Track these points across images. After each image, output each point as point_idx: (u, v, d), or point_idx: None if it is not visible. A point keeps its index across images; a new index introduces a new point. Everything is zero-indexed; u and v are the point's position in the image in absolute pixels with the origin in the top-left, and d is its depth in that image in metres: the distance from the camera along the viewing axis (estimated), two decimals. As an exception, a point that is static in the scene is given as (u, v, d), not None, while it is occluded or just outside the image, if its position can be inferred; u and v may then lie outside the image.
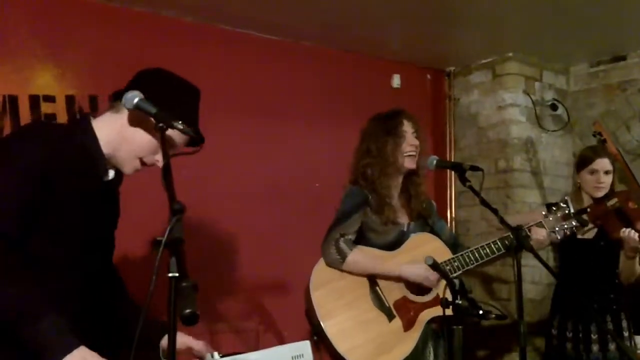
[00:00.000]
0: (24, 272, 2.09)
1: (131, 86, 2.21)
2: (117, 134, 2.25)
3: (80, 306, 2.23)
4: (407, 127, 3.51)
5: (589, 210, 3.81)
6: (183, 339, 2.37)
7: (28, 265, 2.11)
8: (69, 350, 2.03)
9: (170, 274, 1.69)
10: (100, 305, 2.33)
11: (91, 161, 2.25)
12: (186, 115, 2.18)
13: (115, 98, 2.28)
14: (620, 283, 4.05)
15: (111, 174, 2.34)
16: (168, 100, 2.17)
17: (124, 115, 2.24)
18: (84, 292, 2.25)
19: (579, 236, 3.94)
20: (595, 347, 3.94)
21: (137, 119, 2.22)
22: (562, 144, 5.36)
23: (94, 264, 2.31)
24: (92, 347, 2.09)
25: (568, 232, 3.50)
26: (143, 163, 2.28)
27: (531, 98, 5.20)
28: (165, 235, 1.70)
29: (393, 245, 3.47)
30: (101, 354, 2.10)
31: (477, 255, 3.42)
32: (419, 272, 3.34)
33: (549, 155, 5.27)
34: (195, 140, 2.24)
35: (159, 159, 2.27)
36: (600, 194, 4.01)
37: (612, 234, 3.95)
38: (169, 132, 2.15)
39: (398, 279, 3.39)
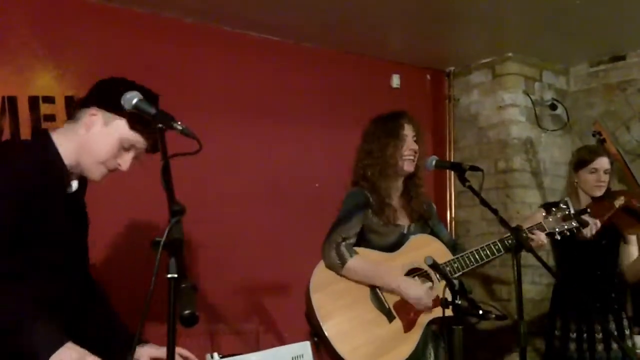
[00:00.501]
0: (5, 284, 2.11)
1: (91, 95, 2.27)
2: (77, 144, 2.27)
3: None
4: (408, 131, 3.52)
5: (589, 210, 3.82)
6: (148, 350, 2.40)
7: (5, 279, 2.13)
8: (57, 347, 2.05)
9: (169, 275, 1.69)
10: (76, 320, 2.33)
11: (54, 175, 2.26)
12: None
13: (76, 107, 2.32)
14: (620, 282, 4.05)
15: (74, 185, 2.35)
16: (111, 92, 2.20)
17: (82, 124, 2.27)
18: (58, 306, 2.25)
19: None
20: (599, 347, 3.94)
21: (95, 125, 2.25)
22: (562, 144, 5.37)
23: (66, 278, 2.31)
24: None
25: (568, 233, 3.51)
26: (108, 168, 2.30)
27: (531, 98, 5.20)
28: (164, 236, 1.70)
29: (393, 246, 3.47)
30: None
31: (477, 256, 3.41)
32: (416, 292, 3.33)
33: (548, 155, 5.27)
34: (154, 147, 2.27)
35: (121, 162, 2.29)
36: (600, 192, 4.03)
37: (625, 230, 4.00)
38: (132, 135, 2.23)
39: (395, 292, 3.38)
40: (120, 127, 2.25)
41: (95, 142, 2.26)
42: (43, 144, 2.28)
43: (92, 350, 2.15)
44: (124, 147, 2.28)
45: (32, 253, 2.17)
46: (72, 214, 2.35)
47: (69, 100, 3.82)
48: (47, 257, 2.20)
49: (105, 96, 2.25)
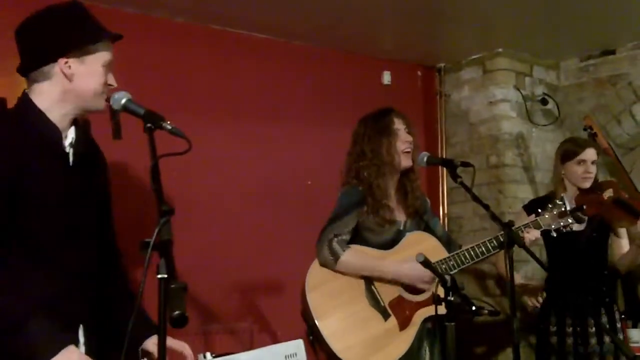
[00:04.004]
0: (5, 275, 2.10)
1: (43, 49, 2.27)
2: (63, 95, 2.28)
3: (75, 292, 2.24)
4: (399, 125, 3.52)
5: (585, 207, 3.84)
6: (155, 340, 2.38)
7: (12, 262, 2.12)
8: (58, 349, 2.04)
9: (159, 276, 1.69)
10: (98, 291, 2.35)
11: (43, 133, 2.26)
12: (84, 33, 2.29)
13: (26, 71, 2.33)
14: (611, 275, 4.06)
15: (70, 136, 2.33)
16: (59, 37, 2.26)
17: (58, 79, 2.27)
18: (77, 275, 2.26)
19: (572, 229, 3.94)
20: (593, 340, 3.95)
21: (75, 72, 2.26)
22: (553, 138, 5.36)
23: (82, 247, 2.30)
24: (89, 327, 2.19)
25: (564, 230, 3.51)
26: (104, 92, 2.32)
27: (521, 93, 5.20)
28: (154, 237, 1.70)
29: (390, 244, 3.47)
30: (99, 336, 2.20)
31: (472, 253, 3.42)
32: (413, 272, 3.34)
33: (540, 150, 5.28)
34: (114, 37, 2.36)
35: (111, 82, 2.33)
36: (587, 184, 4.04)
37: (615, 223, 4.02)
38: (107, 54, 2.30)
39: (392, 279, 3.39)
40: (97, 58, 2.30)
41: (83, 83, 2.28)
42: (23, 106, 2.31)
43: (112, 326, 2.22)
44: (107, 67, 2.33)
45: (33, 220, 2.16)
46: (74, 171, 2.33)
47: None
48: (51, 222, 2.20)
49: (64, 43, 2.26)
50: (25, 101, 2.30)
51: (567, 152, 4.11)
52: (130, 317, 2.33)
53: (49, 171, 2.23)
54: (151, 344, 2.36)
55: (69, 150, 2.32)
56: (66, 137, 2.32)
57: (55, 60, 2.25)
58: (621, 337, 3.98)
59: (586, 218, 3.92)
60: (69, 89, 2.27)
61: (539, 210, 3.52)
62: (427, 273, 3.29)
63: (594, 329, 3.96)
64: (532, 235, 3.45)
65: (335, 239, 3.35)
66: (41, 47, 2.28)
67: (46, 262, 2.17)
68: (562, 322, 4.04)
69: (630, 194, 4.05)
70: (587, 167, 4.03)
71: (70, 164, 2.31)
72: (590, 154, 4.05)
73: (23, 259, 2.15)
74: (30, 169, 2.17)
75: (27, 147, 2.19)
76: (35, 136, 2.23)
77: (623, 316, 4.11)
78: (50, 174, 2.23)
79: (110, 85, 2.33)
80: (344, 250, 3.34)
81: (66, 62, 2.25)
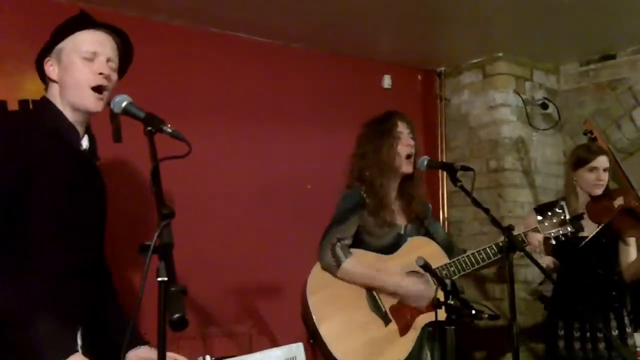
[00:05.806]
0: (11, 273, 2.09)
1: (36, 63, 2.39)
2: (60, 96, 2.34)
3: (77, 292, 2.25)
4: (402, 128, 3.52)
5: (584, 216, 3.82)
6: (138, 354, 2.37)
7: (17, 260, 2.12)
8: (66, 354, 2.05)
9: (159, 279, 1.69)
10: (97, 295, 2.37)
11: (63, 135, 2.30)
12: (56, 32, 2.36)
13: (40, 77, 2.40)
14: (621, 280, 4.04)
15: (85, 142, 2.38)
16: (46, 42, 2.36)
17: (50, 83, 2.38)
18: (81, 275, 2.27)
19: (580, 234, 3.93)
20: (601, 345, 3.93)
21: (55, 69, 2.34)
22: (553, 142, 5.38)
23: (85, 247, 2.32)
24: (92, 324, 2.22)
25: (563, 238, 3.50)
26: (97, 89, 2.32)
27: (522, 97, 5.21)
28: (154, 240, 1.69)
29: (390, 248, 3.47)
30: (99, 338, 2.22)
31: (473, 260, 3.41)
32: (418, 288, 3.34)
33: (540, 154, 5.28)
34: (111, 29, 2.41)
35: (98, 70, 2.32)
36: (599, 191, 4.01)
37: (623, 231, 3.99)
38: (83, 43, 2.31)
39: (393, 292, 3.38)
40: (70, 49, 2.33)
41: (67, 78, 2.32)
42: (46, 108, 2.35)
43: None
44: (89, 58, 2.33)
45: (40, 219, 2.18)
46: (88, 179, 2.37)
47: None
48: (57, 221, 2.21)
49: (43, 48, 2.38)
50: (43, 103, 2.37)
51: (579, 159, 4.08)
52: (115, 323, 2.38)
53: (64, 170, 2.26)
54: (133, 358, 2.35)
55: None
56: (80, 141, 2.37)
57: (41, 67, 2.38)
58: (630, 342, 3.96)
59: (592, 225, 3.91)
60: (60, 89, 2.34)
61: (539, 218, 3.51)
62: (426, 293, 3.30)
63: (602, 334, 3.94)
64: (534, 240, 3.44)
65: (339, 243, 3.34)
66: (39, 53, 2.40)
67: (49, 262, 2.18)
68: (569, 327, 4.02)
69: (637, 200, 4.03)
70: (598, 175, 4.00)
71: (85, 165, 2.37)
72: (602, 161, 4.02)
73: (26, 258, 2.15)
74: (42, 168, 2.19)
75: (41, 145, 2.22)
76: (52, 134, 2.27)
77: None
78: (65, 173, 2.26)
79: (100, 78, 2.32)
80: (346, 257, 3.33)
81: (51, 65, 2.35)
